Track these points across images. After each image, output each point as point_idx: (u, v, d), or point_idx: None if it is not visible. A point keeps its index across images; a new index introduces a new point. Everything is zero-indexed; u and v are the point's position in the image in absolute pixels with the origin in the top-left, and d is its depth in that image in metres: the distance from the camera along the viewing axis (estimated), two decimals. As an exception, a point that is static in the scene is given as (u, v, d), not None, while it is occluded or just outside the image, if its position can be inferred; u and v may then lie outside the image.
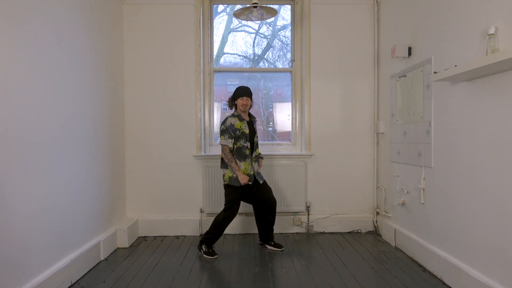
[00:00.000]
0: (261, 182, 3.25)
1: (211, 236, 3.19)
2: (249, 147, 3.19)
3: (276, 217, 3.57)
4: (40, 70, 2.31)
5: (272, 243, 3.35)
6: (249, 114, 3.31)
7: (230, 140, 3.14)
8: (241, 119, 3.18)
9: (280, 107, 4.16)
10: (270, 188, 3.36)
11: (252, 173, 3.20)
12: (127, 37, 3.79)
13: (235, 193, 3.17)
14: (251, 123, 3.29)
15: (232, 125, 3.13)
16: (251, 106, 3.25)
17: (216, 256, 3.13)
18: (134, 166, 3.84)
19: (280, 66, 4.18)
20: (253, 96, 3.28)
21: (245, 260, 3.08)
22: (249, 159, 3.20)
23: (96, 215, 3.09)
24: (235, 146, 3.17)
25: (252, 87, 3.39)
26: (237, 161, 3.16)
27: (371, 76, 3.88)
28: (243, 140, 3.16)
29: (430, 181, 2.82)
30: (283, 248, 3.32)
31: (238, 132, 3.14)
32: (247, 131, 3.18)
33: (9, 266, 2.00)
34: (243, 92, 3.18)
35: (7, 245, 2.00)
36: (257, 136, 3.31)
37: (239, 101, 3.17)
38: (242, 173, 3.13)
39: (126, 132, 3.82)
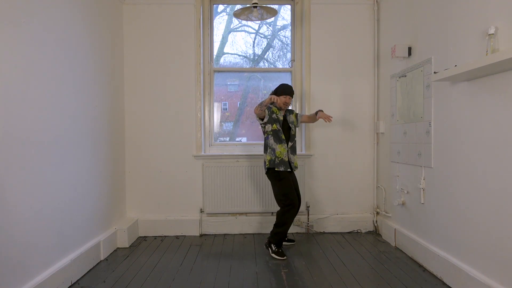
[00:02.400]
0: (293, 170, 3.25)
1: (277, 236, 3.14)
2: (283, 133, 3.22)
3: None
4: (40, 70, 2.31)
5: (286, 238, 3.40)
6: (286, 111, 3.36)
7: (265, 109, 3.12)
8: (278, 108, 3.25)
9: (280, 107, 4.16)
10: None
11: (287, 160, 3.17)
12: (127, 37, 3.79)
13: (284, 183, 3.12)
14: (285, 116, 3.32)
15: (270, 107, 3.20)
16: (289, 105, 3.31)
17: (285, 258, 3.08)
18: (134, 166, 3.84)
19: (280, 66, 4.18)
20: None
21: (245, 260, 3.08)
22: (286, 146, 3.20)
23: (96, 215, 3.09)
24: (271, 127, 3.18)
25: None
26: (274, 143, 3.15)
27: (371, 76, 3.88)
28: (278, 125, 3.19)
29: (430, 181, 2.83)
30: (294, 242, 3.48)
31: (274, 115, 3.19)
32: (281, 118, 3.23)
33: (9, 266, 2.00)
34: (286, 90, 3.22)
35: (7, 245, 2.00)
36: (293, 129, 3.29)
37: (281, 98, 3.20)
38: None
39: (126, 132, 3.82)
